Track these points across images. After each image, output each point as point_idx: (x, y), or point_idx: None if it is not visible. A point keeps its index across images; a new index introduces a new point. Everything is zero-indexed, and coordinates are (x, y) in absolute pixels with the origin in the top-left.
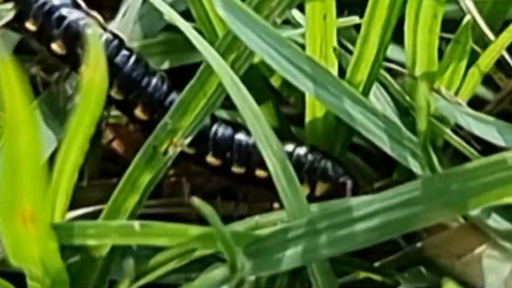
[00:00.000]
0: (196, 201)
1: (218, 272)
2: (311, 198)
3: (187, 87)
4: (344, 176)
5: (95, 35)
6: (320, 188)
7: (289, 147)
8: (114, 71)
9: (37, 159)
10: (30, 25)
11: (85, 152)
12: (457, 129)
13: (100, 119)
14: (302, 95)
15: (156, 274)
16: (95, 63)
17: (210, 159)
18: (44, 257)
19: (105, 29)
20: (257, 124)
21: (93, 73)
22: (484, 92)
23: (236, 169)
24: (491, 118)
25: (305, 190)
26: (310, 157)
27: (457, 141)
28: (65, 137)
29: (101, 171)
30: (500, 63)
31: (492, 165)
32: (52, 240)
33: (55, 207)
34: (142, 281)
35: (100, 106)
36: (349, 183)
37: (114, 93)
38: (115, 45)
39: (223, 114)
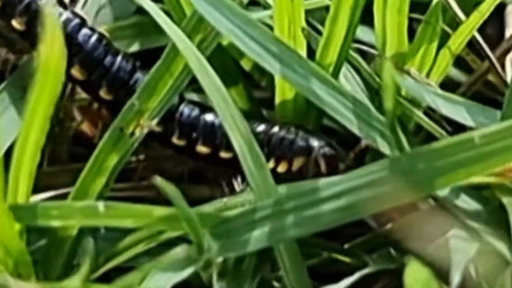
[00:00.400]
0: (158, 180)
1: (184, 253)
2: (291, 175)
3: (154, 68)
4: (322, 148)
5: (52, 12)
6: (297, 163)
7: (261, 126)
8: (75, 50)
9: None
10: None
11: (46, 130)
12: (430, 112)
13: (68, 102)
14: (273, 78)
15: (125, 257)
16: (52, 40)
17: (175, 139)
18: (4, 238)
19: (65, 8)
20: (224, 104)
21: (50, 50)
22: (458, 75)
23: (200, 149)
24: (460, 99)
25: (284, 167)
26: (283, 133)
27: (425, 121)
28: (25, 116)
29: (71, 155)
30: (473, 45)
31: (459, 144)
32: (12, 221)
33: (18, 188)
34: (111, 264)
35: (59, 84)
36: (325, 157)
37: (76, 73)
38: (76, 24)
39: (194, 97)
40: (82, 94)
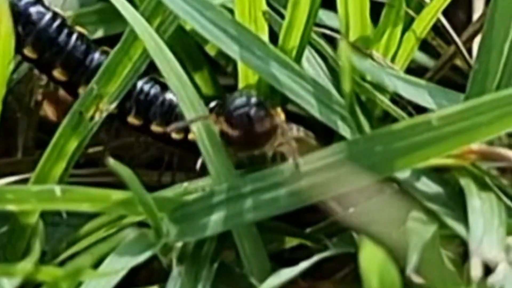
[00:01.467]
0: (111, 162)
1: (142, 237)
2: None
3: (113, 52)
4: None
5: None
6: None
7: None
8: (28, 28)
9: None
10: None
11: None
12: (397, 98)
13: (31, 93)
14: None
15: (86, 243)
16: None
17: (131, 118)
18: None
19: None
20: (181, 87)
21: None
22: (425, 60)
23: (155, 128)
24: (422, 82)
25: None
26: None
27: (387, 104)
28: None
29: (36, 142)
30: (439, 30)
31: (417, 126)
32: None
33: None
34: (72, 250)
35: (8, 60)
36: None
37: (28, 52)
38: (29, 2)
39: None
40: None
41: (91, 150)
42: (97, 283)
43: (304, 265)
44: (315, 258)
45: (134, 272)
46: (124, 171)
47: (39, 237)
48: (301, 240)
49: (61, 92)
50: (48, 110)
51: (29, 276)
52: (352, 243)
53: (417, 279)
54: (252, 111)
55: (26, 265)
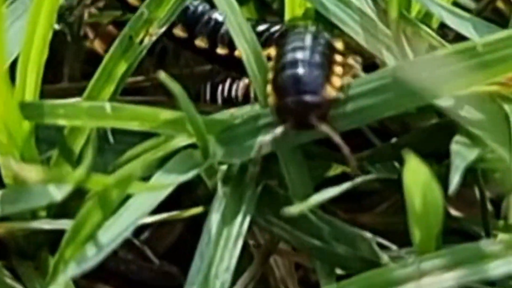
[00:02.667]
0: (162, 76)
1: (190, 156)
2: None
3: None
4: None
5: None
6: None
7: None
8: None
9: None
10: None
11: (51, 26)
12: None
13: (81, 21)
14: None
15: (138, 164)
16: None
17: (177, 31)
18: (15, 136)
19: None
20: (231, 12)
21: None
22: (467, 2)
23: (199, 42)
24: (467, 14)
25: None
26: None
27: (430, 34)
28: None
29: (83, 73)
30: None
31: (461, 52)
32: (21, 118)
33: (25, 86)
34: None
35: None
36: None
37: None
38: None
39: None
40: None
41: (139, 78)
42: (144, 197)
43: (346, 185)
44: (359, 179)
45: (178, 197)
46: (175, 86)
47: (91, 146)
48: (344, 168)
49: (110, 27)
50: (96, 43)
51: (79, 184)
52: (394, 172)
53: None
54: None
55: (77, 172)
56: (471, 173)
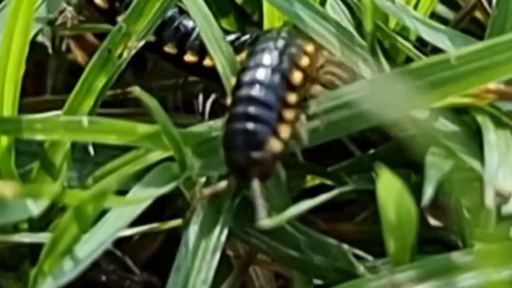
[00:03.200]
0: (138, 91)
1: (167, 170)
2: None
3: None
4: None
5: None
6: None
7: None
8: None
9: None
10: None
11: (28, 37)
12: (418, 46)
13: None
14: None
15: (113, 179)
16: None
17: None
18: None
19: None
20: (207, 25)
21: None
22: (446, 12)
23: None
24: (443, 26)
25: None
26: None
27: (406, 46)
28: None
29: (66, 85)
30: None
31: (436, 64)
32: None
33: (3, 100)
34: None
35: None
36: None
37: None
38: None
39: None
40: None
41: (118, 91)
42: (122, 211)
43: (324, 197)
44: (335, 191)
45: (162, 207)
46: (150, 101)
47: (66, 162)
48: (322, 179)
49: (90, 37)
50: (78, 54)
51: (55, 198)
52: (372, 182)
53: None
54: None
55: (53, 187)
56: (449, 182)
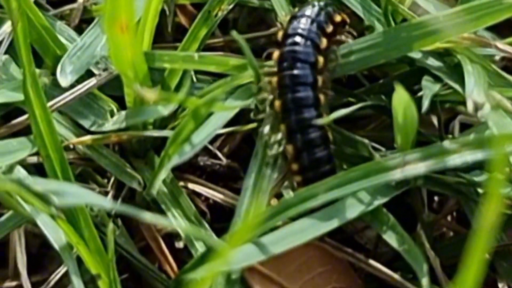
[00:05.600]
0: (234, 33)
1: (249, 89)
2: None
3: None
4: None
5: None
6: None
7: None
8: None
9: None
10: None
11: None
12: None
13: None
14: None
15: (219, 92)
16: None
17: None
18: (135, 60)
19: None
20: None
21: None
22: None
23: None
24: None
25: None
26: None
27: (402, 8)
28: None
29: (173, 39)
30: None
31: (429, 19)
32: (144, 63)
33: (144, 39)
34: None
35: None
36: None
37: None
38: None
39: None
40: None
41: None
42: (221, 114)
43: (354, 107)
44: (359, 105)
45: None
46: (241, 40)
47: (188, 76)
48: (348, 98)
49: (189, 7)
50: (182, 18)
51: (180, 103)
52: (382, 100)
53: None
54: None
55: (179, 95)
56: (433, 105)
